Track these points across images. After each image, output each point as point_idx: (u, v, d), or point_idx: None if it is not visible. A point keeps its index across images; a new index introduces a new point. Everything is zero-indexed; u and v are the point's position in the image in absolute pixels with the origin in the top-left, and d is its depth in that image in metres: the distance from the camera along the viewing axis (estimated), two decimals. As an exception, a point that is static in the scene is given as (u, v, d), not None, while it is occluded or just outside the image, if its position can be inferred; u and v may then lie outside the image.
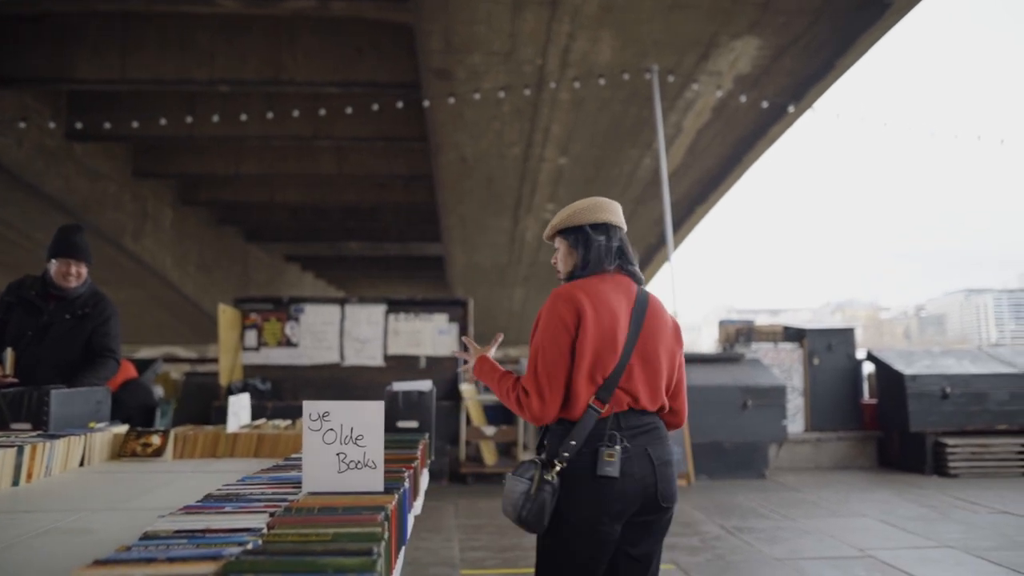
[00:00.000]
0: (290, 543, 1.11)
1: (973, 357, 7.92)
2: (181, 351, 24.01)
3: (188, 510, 1.41)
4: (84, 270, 3.56)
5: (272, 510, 1.38)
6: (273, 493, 1.58)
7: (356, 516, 1.31)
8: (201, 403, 7.33)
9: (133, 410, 5.00)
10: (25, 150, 13.42)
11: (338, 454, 1.56)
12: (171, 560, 1.01)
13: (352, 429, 1.57)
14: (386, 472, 1.71)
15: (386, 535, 1.21)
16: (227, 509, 1.41)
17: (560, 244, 2.10)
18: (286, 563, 0.98)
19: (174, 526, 1.25)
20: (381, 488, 1.58)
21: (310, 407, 1.56)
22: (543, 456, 1.94)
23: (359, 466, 1.56)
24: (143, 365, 7.14)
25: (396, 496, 1.51)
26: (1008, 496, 6.04)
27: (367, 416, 1.58)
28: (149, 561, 1.00)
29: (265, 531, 1.21)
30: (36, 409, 2.79)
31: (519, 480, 1.87)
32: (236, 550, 1.06)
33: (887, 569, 4.06)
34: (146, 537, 1.17)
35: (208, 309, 20.54)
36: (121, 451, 2.63)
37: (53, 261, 3.50)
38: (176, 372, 9.52)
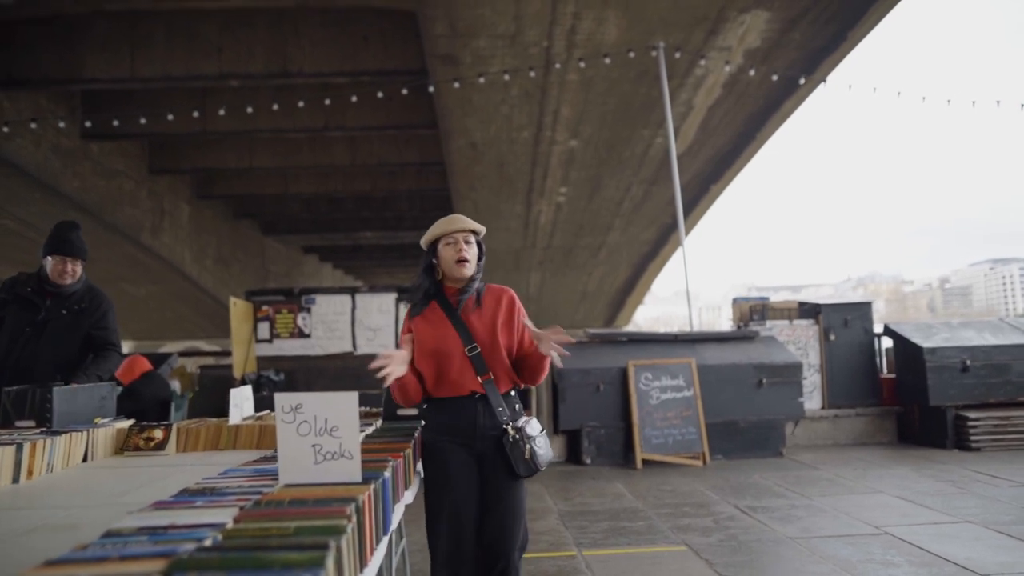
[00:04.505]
0: (249, 538, 1.10)
1: (994, 328, 7.76)
2: (204, 345, 24.30)
3: (159, 505, 1.40)
4: (79, 267, 3.57)
5: (244, 504, 1.37)
6: (250, 486, 1.57)
7: (325, 508, 1.30)
8: (217, 396, 7.39)
9: (149, 402, 5.05)
10: (42, 150, 13.57)
11: (313, 445, 1.55)
12: (123, 559, 0.99)
13: (327, 420, 1.55)
14: (369, 462, 1.70)
15: (351, 527, 1.19)
16: (198, 504, 1.40)
17: (475, 245, 2.44)
18: (233, 560, 0.96)
19: (139, 523, 1.24)
20: (359, 478, 1.57)
21: (282, 399, 1.54)
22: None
23: (335, 457, 1.55)
24: (158, 359, 7.21)
25: (372, 486, 1.49)
26: (1031, 469, 5.93)
27: (341, 407, 1.56)
28: (100, 560, 0.99)
29: (229, 525, 1.20)
30: (40, 406, 2.81)
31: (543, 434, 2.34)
32: (192, 547, 1.05)
33: (902, 545, 4.00)
34: (108, 535, 1.16)
35: (227, 303, 20.72)
36: (124, 445, 2.66)
37: (48, 258, 3.51)
38: (192, 366, 9.63)
